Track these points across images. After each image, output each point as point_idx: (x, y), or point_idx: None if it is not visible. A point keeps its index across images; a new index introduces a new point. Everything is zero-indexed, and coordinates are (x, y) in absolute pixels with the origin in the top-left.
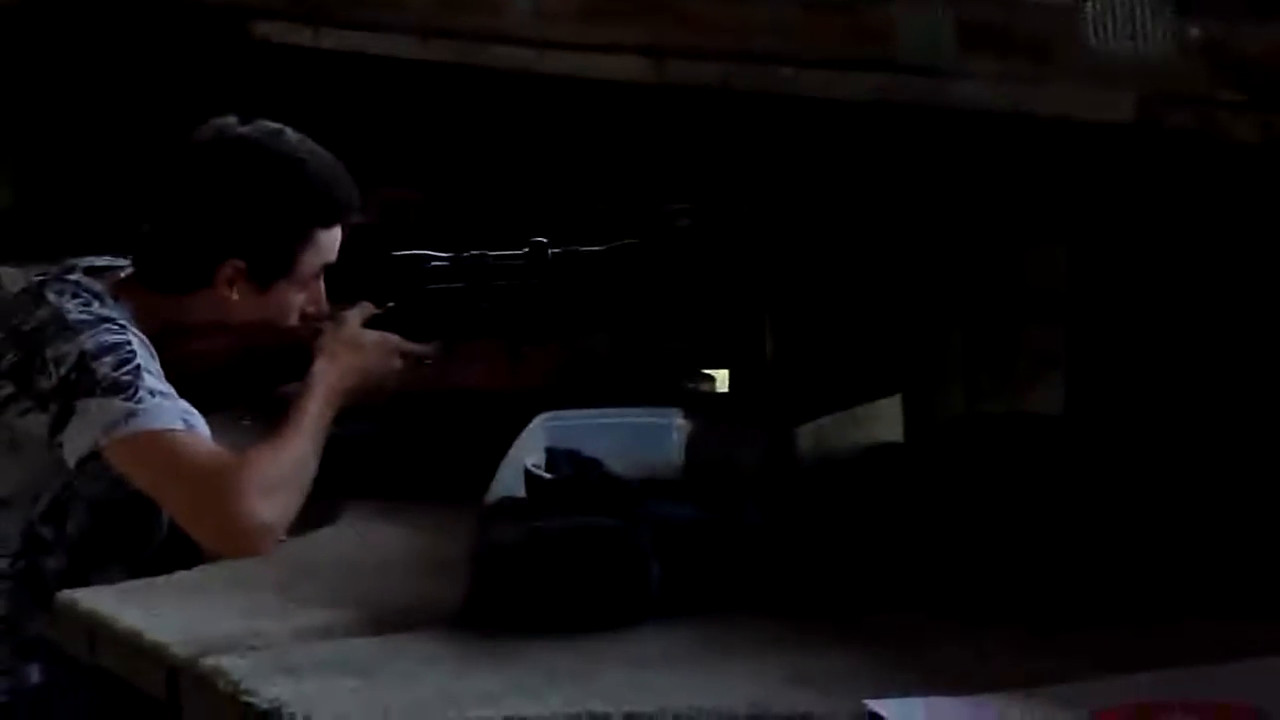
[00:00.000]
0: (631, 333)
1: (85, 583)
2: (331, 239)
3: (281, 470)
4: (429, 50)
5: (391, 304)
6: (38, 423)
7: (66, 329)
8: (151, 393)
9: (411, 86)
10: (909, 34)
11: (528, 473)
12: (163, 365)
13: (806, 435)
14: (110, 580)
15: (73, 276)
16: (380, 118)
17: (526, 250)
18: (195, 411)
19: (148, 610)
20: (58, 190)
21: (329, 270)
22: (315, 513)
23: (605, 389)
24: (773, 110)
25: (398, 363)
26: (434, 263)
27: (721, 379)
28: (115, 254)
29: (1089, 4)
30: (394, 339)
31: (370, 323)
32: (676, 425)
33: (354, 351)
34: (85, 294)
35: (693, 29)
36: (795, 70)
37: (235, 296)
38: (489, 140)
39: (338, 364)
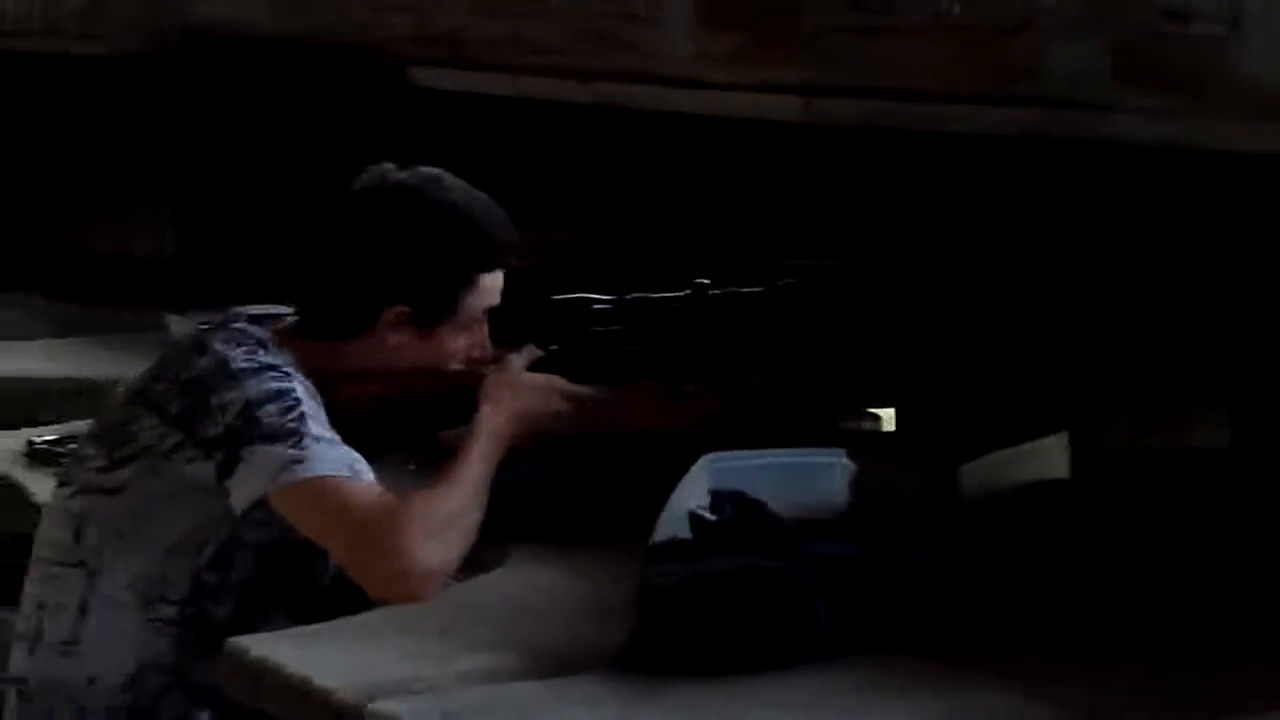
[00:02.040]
0: (793, 373)
1: (251, 629)
2: (494, 282)
3: (446, 515)
4: (584, 93)
5: (555, 347)
6: (204, 470)
7: (231, 377)
8: (317, 439)
9: (567, 128)
10: (1060, 68)
11: (692, 515)
12: (327, 412)
13: (971, 473)
14: (275, 627)
15: (237, 325)
16: (535, 161)
17: (688, 292)
18: (360, 458)
19: (314, 656)
20: (220, 238)
21: (492, 314)
22: (480, 557)
23: (768, 429)
24: (929, 148)
25: (561, 405)
26: (597, 305)
27: (887, 418)
28: (278, 302)
29: (1242, 33)
30: (557, 381)
31: (534, 366)
32: (841, 464)
33: (518, 395)
34: (249, 342)
35: (842, 68)
36: (944, 107)
37: (399, 341)
38: (643, 181)
39: (502, 408)
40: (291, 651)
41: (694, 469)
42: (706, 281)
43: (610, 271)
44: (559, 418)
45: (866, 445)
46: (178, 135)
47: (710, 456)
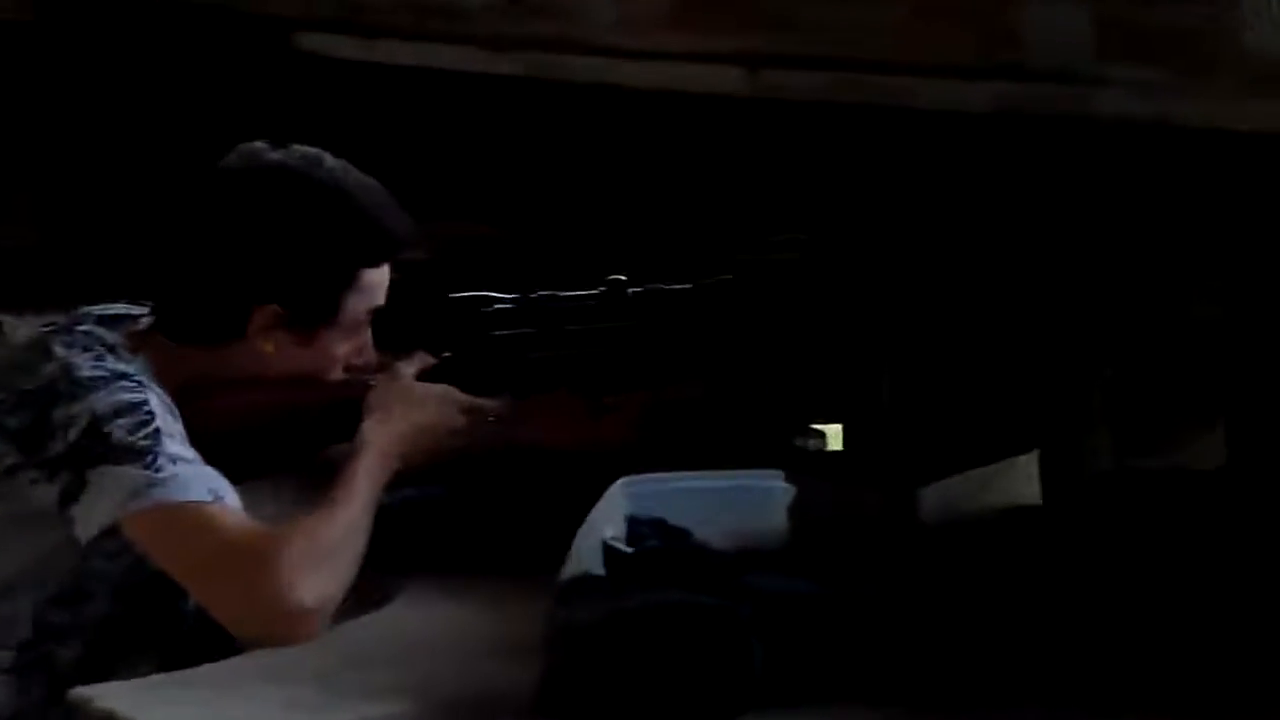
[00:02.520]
0: (726, 383)
1: (109, 674)
2: (379, 280)
3: (326, 544)
4: (497, 63)
5: (450, 353)
6: (47, 494)
7: (77, 387)
8: (173, 459)
9: (476, 103)
10: (1040, 36)
11: (606, 546)
12: (188, 427)
13: (931, 497)
14: (137, 672)
15: (84, 327)
16: (439, 141)
17: (603, 289)
18: (224, 480)
19: (170, 708)
20: (88, 226)
21: (378, 316)
22: (366, 592)
23: (696, 448)
24: (887, 125)
25: (459, 420)
26: (498, 305)
27: (834, 435)
28: (133, 300)
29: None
30: (454, 393)
31: (427, 375)
32: (781, 488)
33: (408, 408)
34: (98, 347)
35: (795, 34)
36: (912, 79)
37: (271, 347)
38: (562, 164)
39: (390, 423)
40: (144, 702)
41: (608, 493)
42: (623, 278)
43: (520, 266)
44: (456, 433)
45: (811, 466)
46: (37, 108)
47: (626, 479)
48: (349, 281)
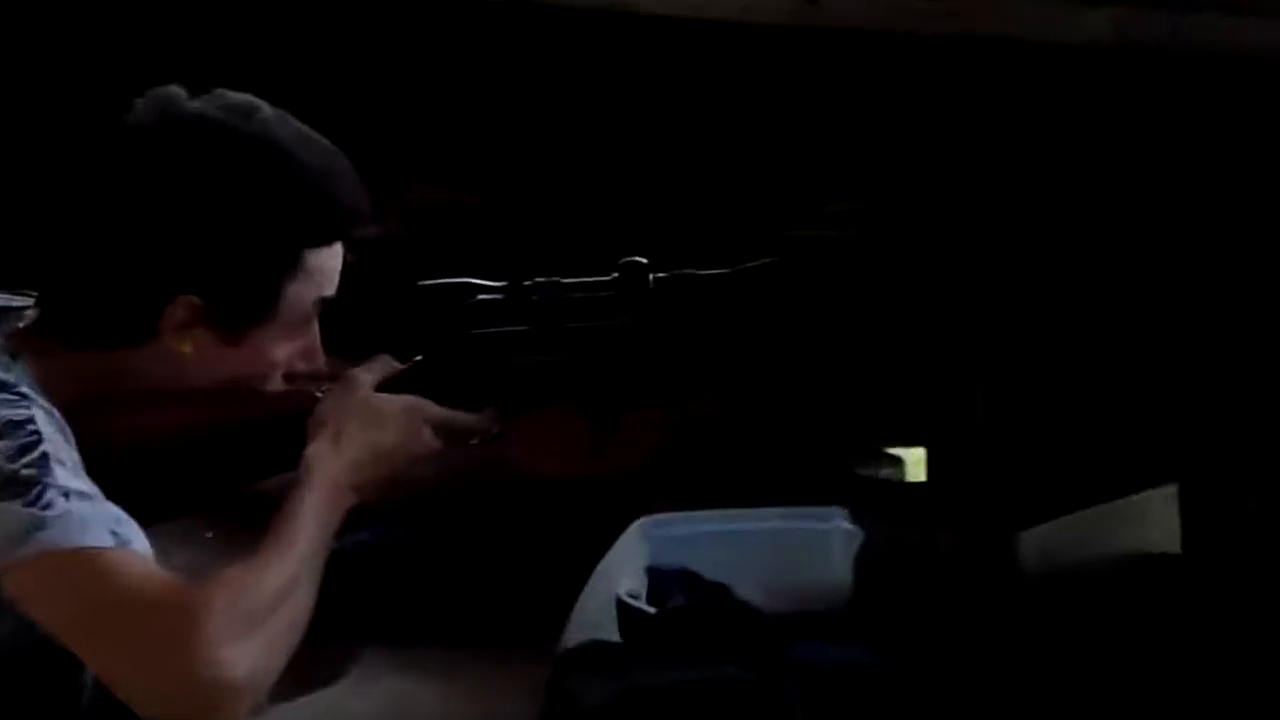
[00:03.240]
0: (772, 395)
1: None
2: (328, 263)
3: (259, 604)
4: None
5: (420, 357)
6: None
7: None
8: (65, 494)
9: (457, 36)
10: None
11: (622, 604)
12: (84, 452)
13: (1033, 543)
14: None
15: None
16: (407, 84)
17: (616, 275)
18: (131, 521)
19: None
20: None
21: (327, 309)
22: (306, 667)
23: (735, 479)
24: (972, 63)
25: (430, 442)
26: (482, 295)
27: (912, 462)
28: (12, 290)
29: None
30: (425, 408)
31: (391, 385)
32: (841, 531)
33: (366, 427)
34: None
35: None
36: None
37: (189, 349)
38: (564, 114)
39: (343, 446)
40: None
41: (625, 538)
42: (642, 261)
43: (511, 245)
44: (426, 460)
45: (881, 502)
46: None
47: (649, 520)
48: (290, 265)
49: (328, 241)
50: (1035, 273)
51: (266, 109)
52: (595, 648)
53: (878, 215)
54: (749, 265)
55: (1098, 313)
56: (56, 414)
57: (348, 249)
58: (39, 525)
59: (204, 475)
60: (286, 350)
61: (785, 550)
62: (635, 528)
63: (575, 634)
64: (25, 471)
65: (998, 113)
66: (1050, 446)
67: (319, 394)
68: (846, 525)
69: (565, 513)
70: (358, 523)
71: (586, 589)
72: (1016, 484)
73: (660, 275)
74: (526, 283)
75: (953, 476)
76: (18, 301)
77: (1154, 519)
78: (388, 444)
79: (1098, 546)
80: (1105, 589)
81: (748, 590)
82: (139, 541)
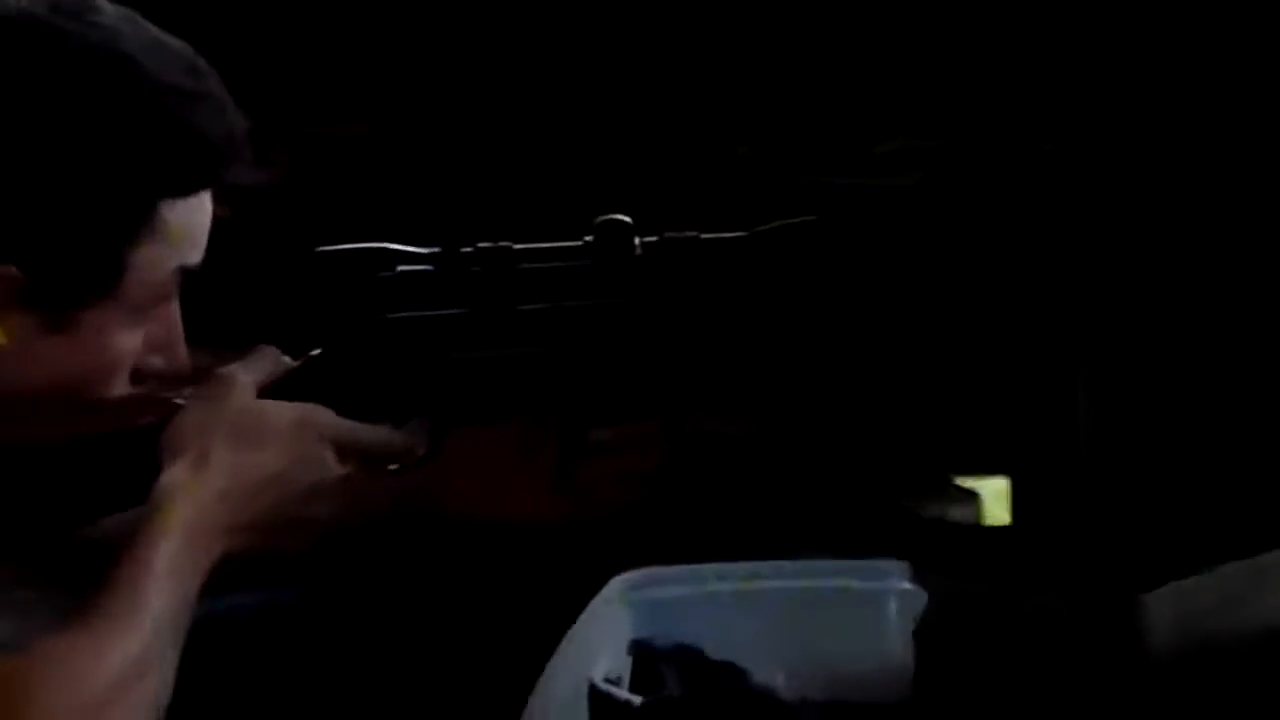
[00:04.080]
0: (804, 407)
1: None
2: (191, 220)
3: (96, 690)
4: None
5: (320, 350)
6: None
7: None
8: None
9: None
10: None
11: (596, 693)
12: None
13: (1163, 609)
14: None
15: None
16: None
17: (590, 240)
18: None
19: None
20: None
21: (190, 284)
22: None
23: (750, 520)
24: None
25: (333, 466)
26: (405, 265)
27: (993, 498)
28: None
29: None
30: (326, 419)
31: (280, 388)
32: (897, 592)
33: (243, 446)
34: None
35: None
36: None
37: (3, 340)
38: (500, 31)
39: (211, 474)
40: None
41: (601, 600)
42: (624, 220)
43: (442, 197)
44: (326, 492)
45: (950, 553)
46: None
47: (633, 576)
48: (137, 222)
49: (189, 190)
50: (1157, 235)
51: (106, 6)
52: None
53: (944, 157)
54: (773, 226)
55: (1244, 300)
56: None
57: (218, 201)
58: None
59: (19, 513)
60: (134, 340)
61: (821, 619)
62: (615, 587)
63: None
64: None
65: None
66: (1180, 476)
67: (179, 401)
68: (904, 585)
69: (520, 566)
70: (232, 580)
71: (548, 671)
72: (1135, 528)
73: (650, 239)
74: (466, 249)
75: (1048, 518)
76: None
77: None
78: (272, 470)
79: (1247, 613)
80: (1257, 669)
81: (768, 673)
82: None
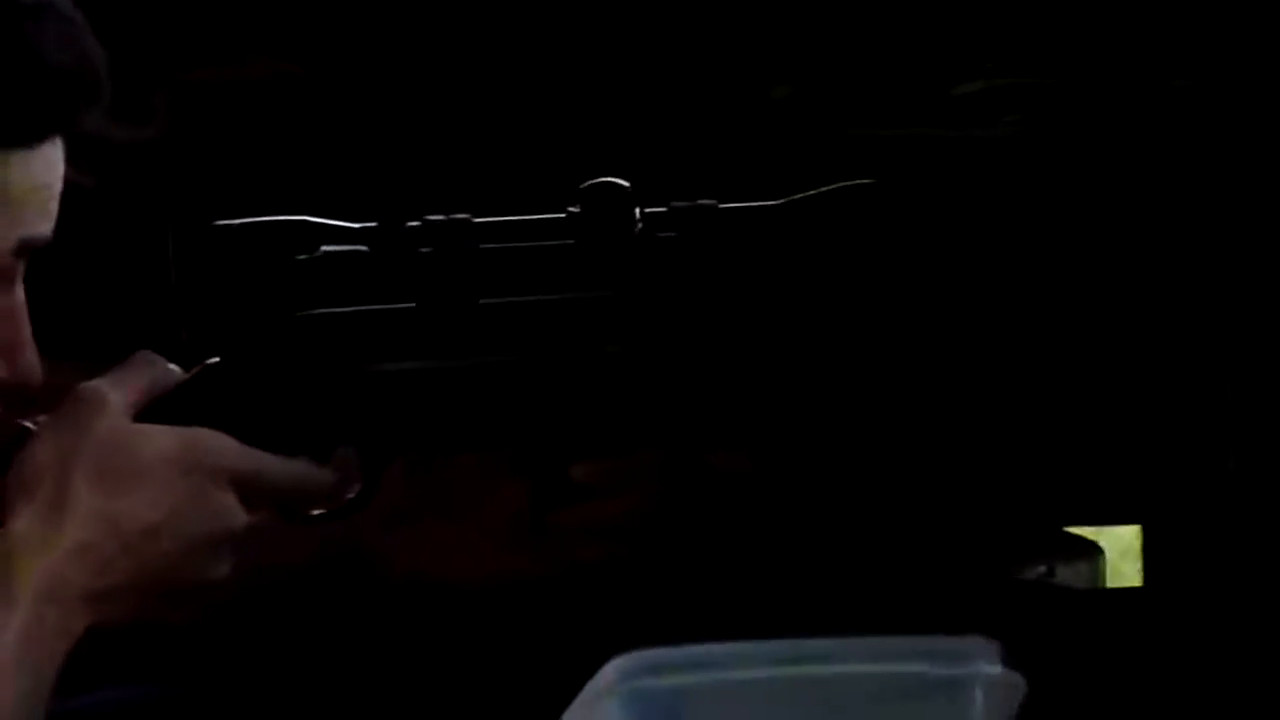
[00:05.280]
0: (855, 433)
1: None
2: (32, 181)
3: None
4: None
5: (217, 358)
6: None
7: None
8: None
9: None
10: None
11: None
12: None
13: None
14: None
15: None
16: None
17: (575, 210)
18: None
19: None
20: None
21: (37, 269)
22: None
23: (779, 580)
24: None
25: (233, 511)
26: (330, 245)
27: (1118, 554)
28: None
29: None
30: (222, 450)
31: (161, 408)
32: (984, 679)
33: (112, 487)
34: None
35: None
36: None
37: None
38: None
39: (69, 523)
40: None
41: (587, 693)
42: (623, 184)
43: (389, 157)
44: (224, 545)
45: (1057, 628)
46: None
47: (628, 661)
48: None
49: (29, 138)
50: None
51: None
52: None
53: (1045, 99)
54: (817, 192)
55: None
56: None
57: (74, 161)
58: None
59: None
60: None
61: (884, 716)
62: (608, 674)
63: None
64: None
65: None
66: None
67: (26, 425)
68: (994, 670)
69: (479, 644)
70: (103, 666)
71: None
72: None
73: (654, 210)
74: (410, 223)
75: (1190, 577)
76: None
77: None
78: (151, 518)
79: None
80: None
81: None
82: None
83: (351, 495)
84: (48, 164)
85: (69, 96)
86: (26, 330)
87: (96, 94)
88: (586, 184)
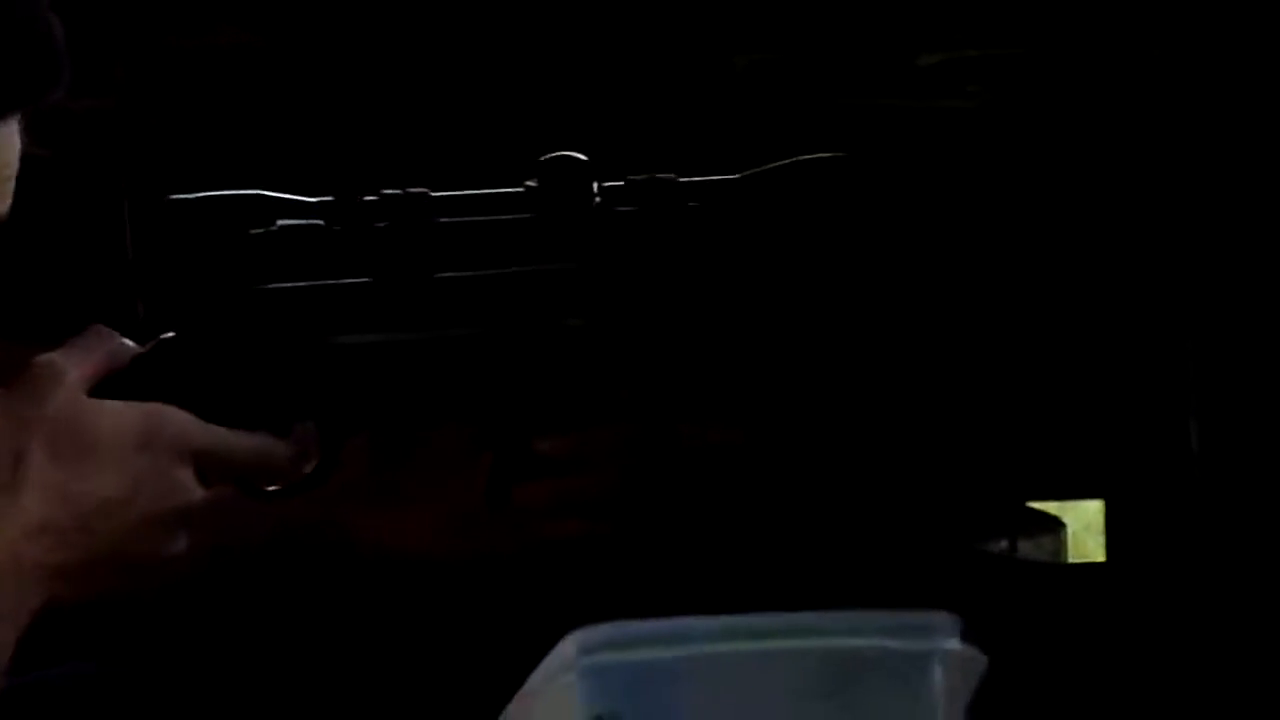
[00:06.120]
0: (816, 403)
1: None
2: None
3: None
4: None
5: (173, 333)
6: None
7: None
8: None
9: None
10: None
11: None
12: None
13: None
14: None
15: None
16: None
17: (534, 184)
18: None
19: None
20: None
21: None
22: None
23: (750, 559)
24: None
25: (191, 487)
26: (286, 219)
27: (1080, 529)
28: None
29: None
30: (179, 425)
31: (117, 383)
32: (943, 654)
33: (68, 462)
34: None
35: None
36: None
37: None
38: None
39: (25, 499)
40: None
41: (546, 666)
42: (582, 158)
43: (346, 129)
44: (179, 523)
45: (1021, 602)
46: None
47: (590, 634)
48: None
49: None
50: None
51: None
52: None
53: (1012, 69)
54: (778, 165)
55: None
56: None
57: (29, 132)
58: None
59: None
60: None
61: (847, 689)
62: (568, 648)
63: None
64: None
65: None
66: None
67: None
68: (953, 645)
69: (441, 620)
70: (60, 641)
71: None
72: (1267, 565)
73: (614, 184)
74: (368, 197)
75: (1152, 552)
76: None
77: None
78: (108, 494)
79: None
80: None
81: None
82: None
83: (309, 469)
84: (5, 144)
85: (29, 77)
86: None
87: (57, 75)
88: (544, 157)
